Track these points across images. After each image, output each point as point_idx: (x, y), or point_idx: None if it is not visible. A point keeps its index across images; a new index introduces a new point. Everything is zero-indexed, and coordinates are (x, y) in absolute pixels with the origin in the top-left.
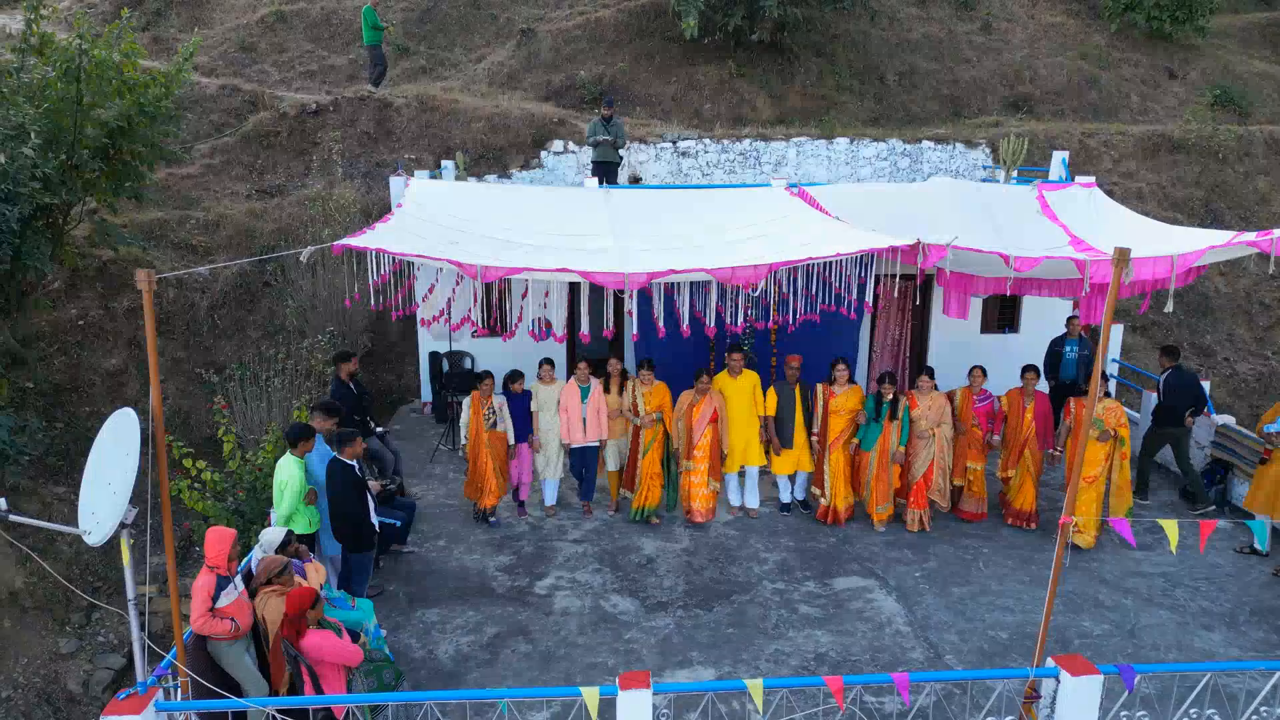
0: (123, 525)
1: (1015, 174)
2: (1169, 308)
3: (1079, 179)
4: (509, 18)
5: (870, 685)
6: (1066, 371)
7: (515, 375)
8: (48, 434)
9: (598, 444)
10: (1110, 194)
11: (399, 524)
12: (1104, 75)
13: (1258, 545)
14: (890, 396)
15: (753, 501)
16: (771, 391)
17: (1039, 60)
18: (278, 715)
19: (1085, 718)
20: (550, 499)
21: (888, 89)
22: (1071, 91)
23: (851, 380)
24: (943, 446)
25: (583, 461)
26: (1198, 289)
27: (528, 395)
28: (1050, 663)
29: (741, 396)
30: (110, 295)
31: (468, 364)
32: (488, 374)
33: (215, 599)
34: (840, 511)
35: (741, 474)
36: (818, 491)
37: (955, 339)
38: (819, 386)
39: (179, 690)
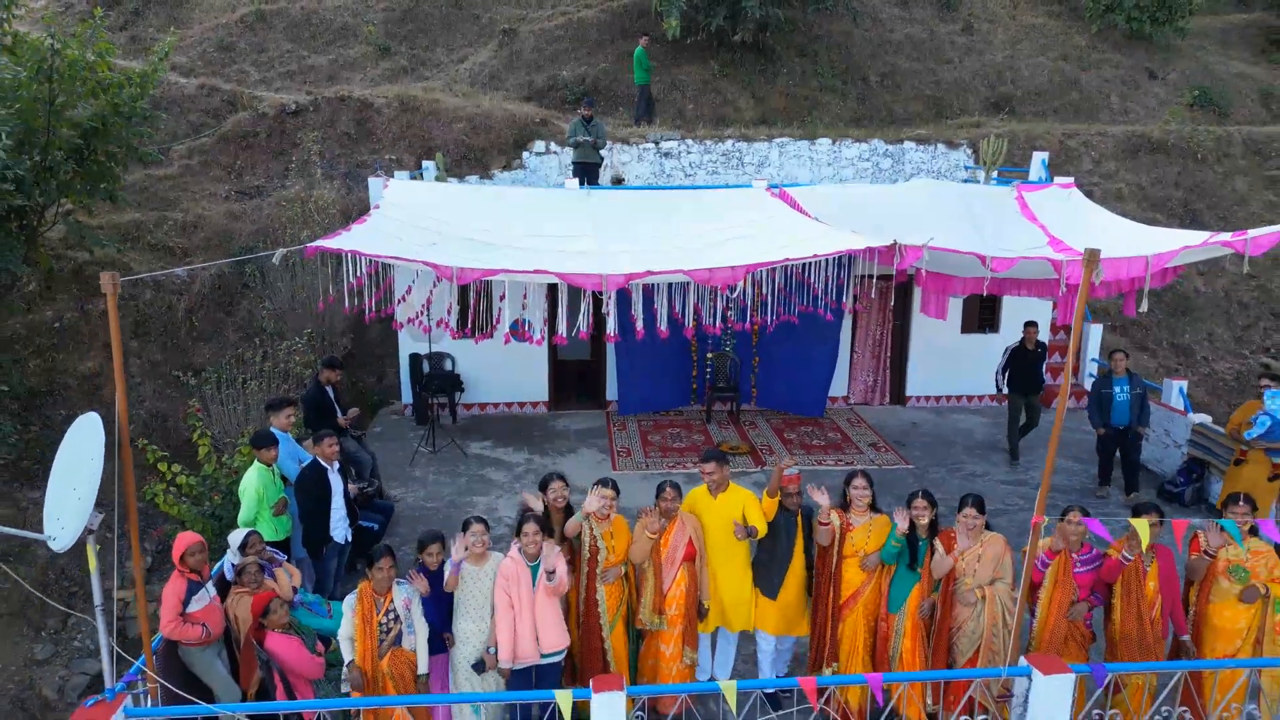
0: (88, 530)
1: (995, 174)
2: (1144, 307)
3: (1058, 180)
4: (491, 18)
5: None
6: (1119, 416)
7: (431, 537)
8: (22, 438)
9: (560, 658)
10: (1090, 194)
11: (376, 527)
12: (1085, 76)
13: None
14: (928, 520)
15: (723, 672)
16: (768, 502)
17: (1020, 61)
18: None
19: (1057, 715)
20: None
21: (870, 89)
22: (1052, 92)
23: (875, 507)
24: (996, 616)
25: (534, 687)
26: (1177, 289)
27: (440, 579)
28: (1023, 662)
29: (724, 529)
30: (86, 297)
31: (448, 365)
32: (384, 550)
33: (186, 604)
34: (854, 710)
35: (715, 634)
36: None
37: (936, 340)
38: (824, 510)
39: (148, 696)
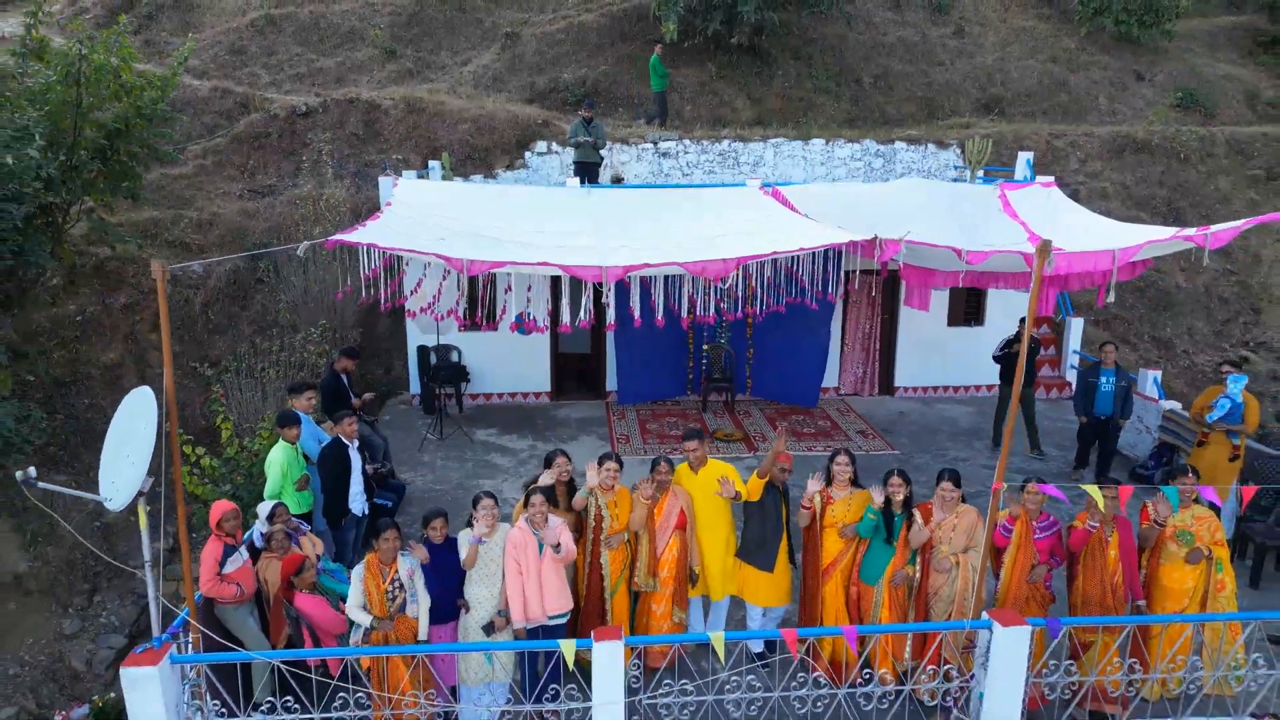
0: (140, 494)
1: (981, 173)
2: (1110, 298)
3: (1039, 179)
4: (494, 21)
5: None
6: (1103, 406)
7: (435, 513)
8: (49, 425)
9: (565, 620)
10: (1076, 193)
11: (390, 504)
12: (1073, 78)
13: None
14: (903, 496)
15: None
16: (755, 481)
17: (1010, 63)
18: (283, 666)
19: (1015, 664)
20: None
21: (863, 91)
22: (1041, 93)
23: (857, 482)
24: (968, 581)
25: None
26: (1158, 285)
27: (452, 549)
28: (985, 616)
29: (709, 500)
30: (107, 292)
31: (454, 357)
32: (389, 523)
33: (222, 565)
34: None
35: (706, 603)
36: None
37: (923, 333)
38: (810, 486)
39: (190, 646)
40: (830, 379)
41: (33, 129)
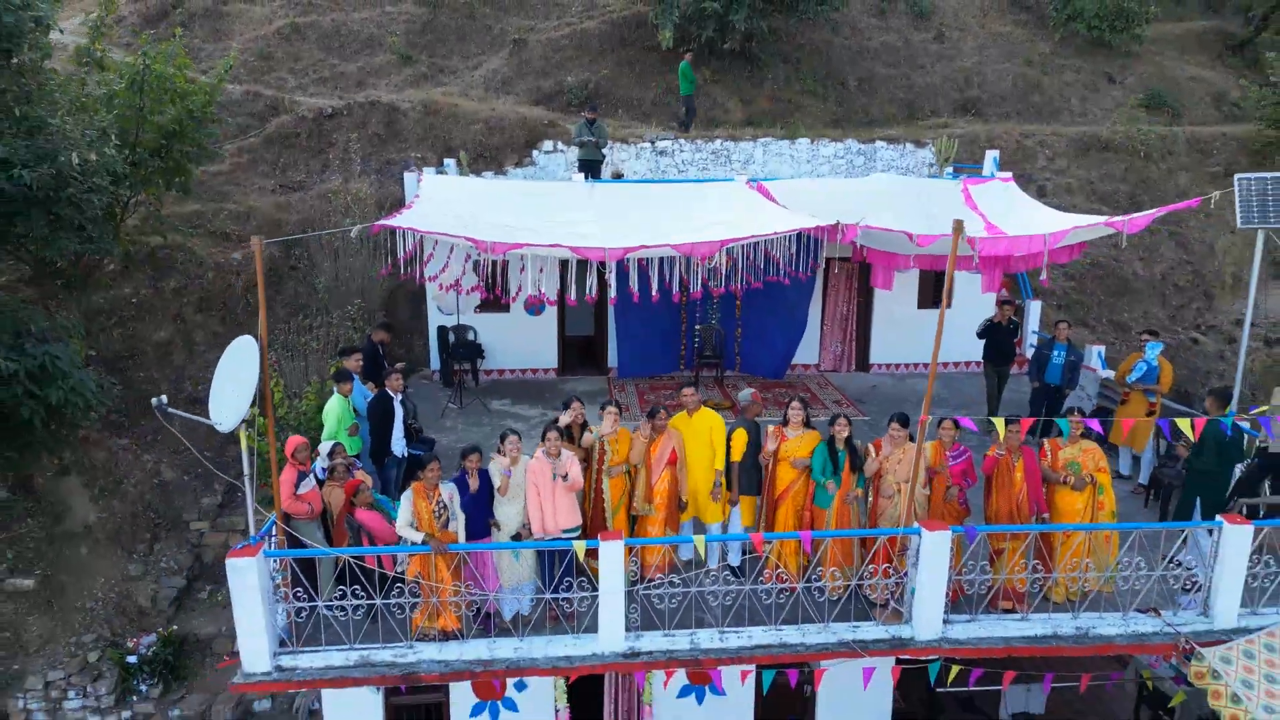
0: (245, 422)
1: (951, 169)
2: (1043, 276)
3: (999, 175)
4: (502, 28)
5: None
6: (1052, 375)
7: (471, 448)
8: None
9: (575, 535)
10: (1042, 189)
11: (422, 454)
12: (1047, 80)
13: (1120, 470)
14: (846, 434)
15: (712, 560)
16: (740, 434)
17: (987, 67)
18: (353, 562)
19: (939, 563)
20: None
21: (848, 93)
22: (1016, 95)
23: (809, 425)
24: (910, 503)
25: (552, 554)
26: (1117, 273)
27: (484, 480)
28: (915, 524)
29: (698, 440)
30: (159, 277)
31: (471, 336)
32: (431, 459)
33: (297, 487)
34: (792, 573)
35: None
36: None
37: (896, 314)
38: (770, 428)
39: (275, 543)
40: (811, 356)
41: (109, 131)
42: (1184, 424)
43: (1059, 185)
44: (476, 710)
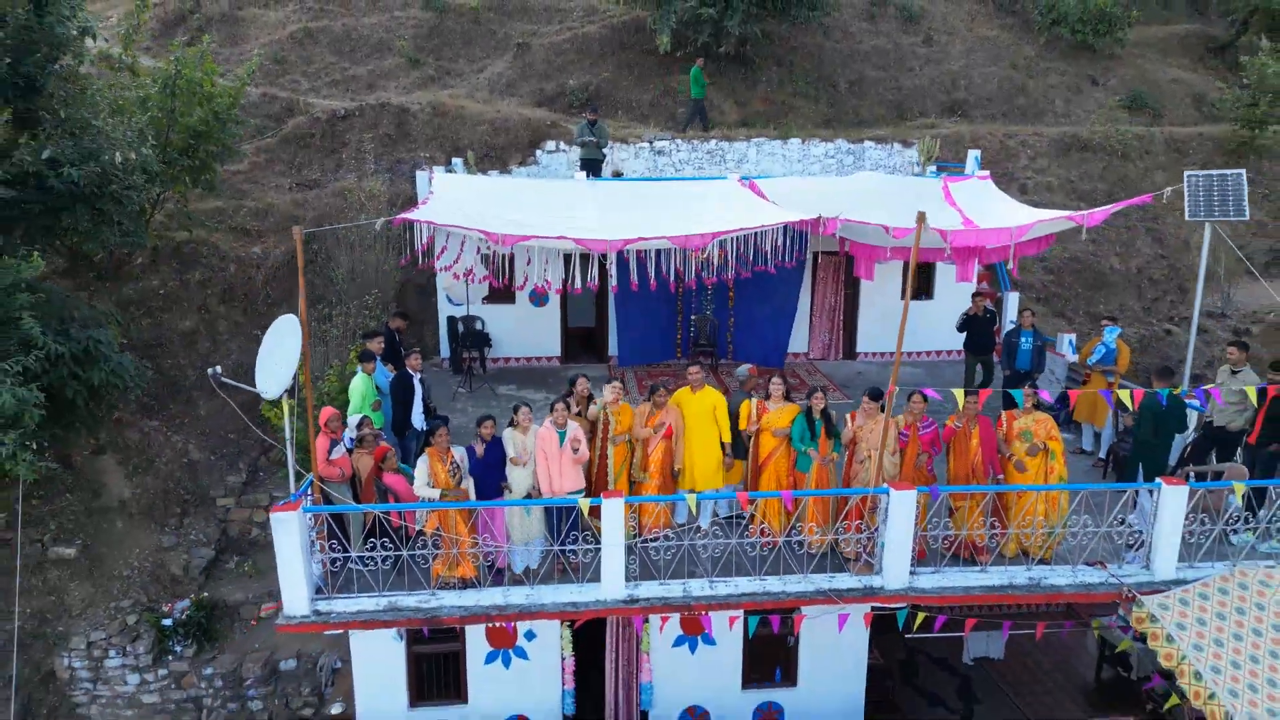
0: (287, 391)
1: (934, 168)
2: (1011, 265)
3: (977, 173)
4: (506, 33)
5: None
6: (1022, 362)
7: (485, 416)
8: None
9: (580, 495)
10: (1024, 187)
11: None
12: (1031, 82)
13: (1083, 445)
14: (823, 406)
15: (704, 520)
16: (746, 404)
17: (974, 69)
18: (382, 517)
19: (905, 520)
20: (532, 562)
21: (839, 95)
22: (1002, 97)
23: (788, 398)
24: (880, 468)
25: (560, 511)
26: (1094, 267)
27: (496, 446)
28: (885, 485)
29: (701, 417)
30: (184, 270)
31: (479, 326)
32: (441, 421)
33: (330, 453)
34: (774, 531)
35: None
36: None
37: (881, 305)
38: (753, 401)
39: (311, 500)
40: (801, 345)
41: (145, 131)
42: (1124, 395)
43: (1040, 184)
44: (490, 658)
